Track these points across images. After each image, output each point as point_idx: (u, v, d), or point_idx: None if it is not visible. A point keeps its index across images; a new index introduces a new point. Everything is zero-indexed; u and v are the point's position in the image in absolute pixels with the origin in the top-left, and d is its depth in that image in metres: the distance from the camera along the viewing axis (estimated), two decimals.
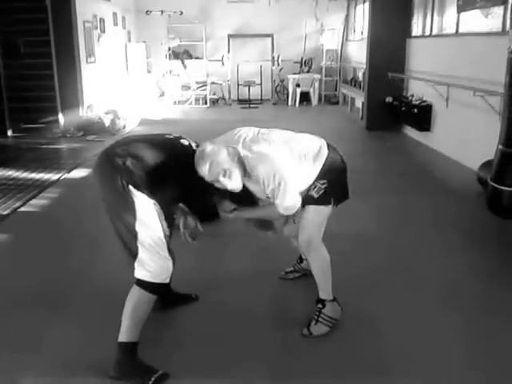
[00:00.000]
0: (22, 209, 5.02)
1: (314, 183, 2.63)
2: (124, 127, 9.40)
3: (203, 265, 3.62)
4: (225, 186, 2.44)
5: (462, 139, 6.47)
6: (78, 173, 6.43)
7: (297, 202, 2.51)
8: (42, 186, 5.77)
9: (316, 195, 2.63)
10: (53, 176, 6.20)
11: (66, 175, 6.30)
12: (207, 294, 3.16)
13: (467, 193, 5.25)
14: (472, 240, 4.09)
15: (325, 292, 2.73)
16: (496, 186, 4.11)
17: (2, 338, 2.79)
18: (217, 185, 2.45)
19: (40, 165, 6.77)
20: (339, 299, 2.78)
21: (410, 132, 8.49)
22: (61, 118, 9.22)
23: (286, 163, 2.47)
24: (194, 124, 10.19)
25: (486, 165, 4.80)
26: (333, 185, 2.66)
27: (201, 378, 2.44)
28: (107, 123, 9.02)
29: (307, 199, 2.62)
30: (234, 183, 2.44)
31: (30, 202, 5.23)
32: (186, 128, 9.47)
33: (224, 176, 2.39)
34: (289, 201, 2.46)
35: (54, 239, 4.23)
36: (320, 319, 2.70)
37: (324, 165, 2.64)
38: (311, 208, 2.66)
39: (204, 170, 2.38)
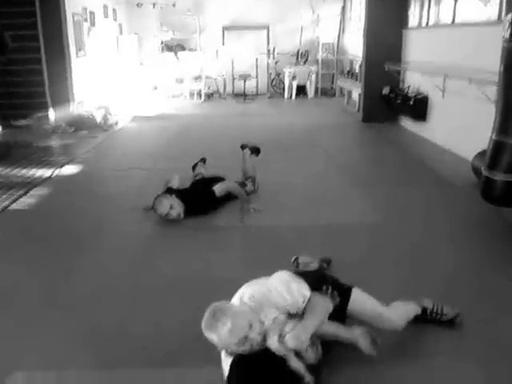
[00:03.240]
0: (13, 206, 4.95)
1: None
2: (116, 123, 9.31)
3: None
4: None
5: (457, 130, 6.48)
6: (70, 169, 6.36)
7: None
8: (34, 183, 5.69)
9: (337, 299, 2.50)
10: (44, 173, 6.12)
11: (58, 172, 6.21)
12: None
13: (462, 183, 5.26)
14: (466, 228, 4.17)
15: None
16: (489, 175, 4.12)
17: None
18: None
19: (31, 161, 6.69)
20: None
21: (407, 124, 8.48)
22: (51, 113, 9.12)
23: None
24: (189, 119, 10.10)
25: (481, 155, 4.79)
26: (332, 283, 2.59)
27: None
28: (99, 119, 8.94)
29: (340, 311, 2.49)
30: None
31: (21, 199, 5.16)
32: (180, 123, 9.42)
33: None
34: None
35: (45, 236, 4.18)
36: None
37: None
38: (353, 305, 2.52)
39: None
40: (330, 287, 2.52)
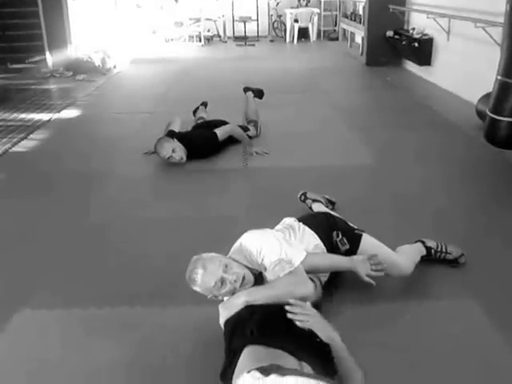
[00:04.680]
0: (14, 149, 4.95)
1: (331, 243, 2.48)
2: (114, 67, 9.15)
3: None
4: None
5: (462, 73, 6.37)
6: (70, 113, 6.32)
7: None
8: (33, 127, 5.66)
9: (347, 245, 2.49)
10: (43, 117, 6.08)
11: (57, 116, 6.16)
12: None
13: (466, 126, 5.21)
14: (468, 169, 4.19)
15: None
16: (494, 116, 4.08)
17: None
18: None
19: (30, 105, 6.65)
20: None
21: (411, 67, 8.33)
22: (49, 57, 8.95)
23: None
24: (189, 63, 9.91)
25: (486, 97, 4.72)
26: (342, 228, 2.56)
27: None
28: (97, 62, 8.77)
29: (348, 254, 2.45)
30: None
31: (21, 142, 5.15)
32: (180, 67, 9.26)
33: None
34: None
35: (47, 179, 4.20)
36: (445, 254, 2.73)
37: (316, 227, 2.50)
38: (362, 251, 2.49)
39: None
40: (339, 233, 2.52)
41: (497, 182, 3.95)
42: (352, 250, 2.49)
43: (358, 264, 2.33)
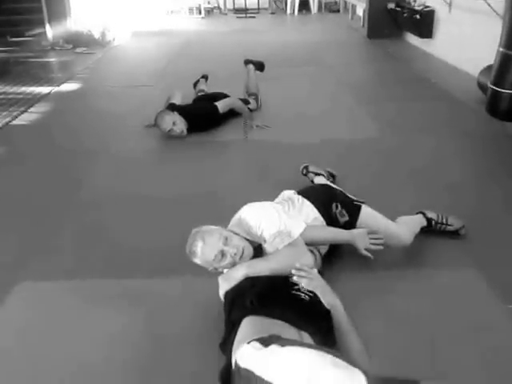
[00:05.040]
0: (14, 122, 4.95)
1: (330, 216, 2.49)
2: (114, 39, 9.07)
3: None
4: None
5: (463, 45, 6.31)
6: (69, 86, 6.29)
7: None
8: (33, 101, 5.65)
9: (346, 217, 2.51)
10: (43, 90, 6.06)
11: (57, 89, 6.15)
12: None
13: (467, 98, 5.18)
14: (470, 141, 4.17)
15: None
16: (495, 88, 4.08)
17: None
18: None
19: (30, 78, 6.61)
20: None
21: (412, 39, 8.25)
22: (48, 30, 8.87)
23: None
24: (189, 36, 9.81)
25: (487, 70, 4.70)
26: (341, 200, 2.57)
27: None
28: (97, 35, 8.71)
29: (347, 226, 2.48)
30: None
31: (21, 116, 5.14)
32: (180, 40, 9.18)
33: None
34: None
35: (46, 153, 4.20)
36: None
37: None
38: (361, 222, 2.52)
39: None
40: (339, 205, 2.53)
41: (500, 154, 3.93)
42: (351, 222, 2.51)
43: (357, 238, 2.36)
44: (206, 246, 2.04)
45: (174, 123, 4.26)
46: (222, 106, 4.51)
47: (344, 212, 2.52)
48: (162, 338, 2.14)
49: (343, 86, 5.92)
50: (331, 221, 2.48)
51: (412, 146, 4.08)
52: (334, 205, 2.53)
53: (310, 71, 6.70)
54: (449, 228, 2.74)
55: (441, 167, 3.69)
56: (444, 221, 2.74)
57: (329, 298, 1.89)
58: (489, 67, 4.66)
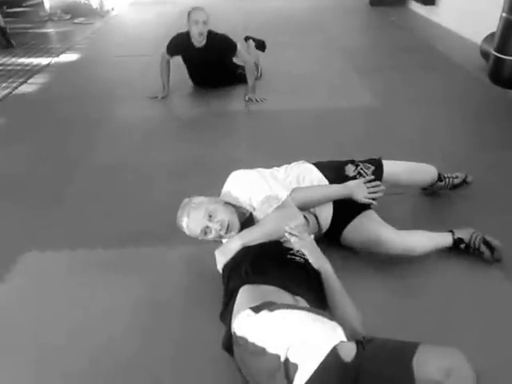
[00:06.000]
0: (14, 94, 4.94)
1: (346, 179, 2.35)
2: (113, 9, 8.96)
3: None
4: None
5: (466, 12, 6.23)
6: (68, 57, 6.24)
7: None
8: (32, 72, 5.61)
9: (372, 167, 2.41)
10: (42, 61, 6.01)
11: (56, 59, 6.10)
12: None
13: (470, 66, 5.15)
14: (473, 110, 4.16)
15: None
16: (498, 55, 4.03)
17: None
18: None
19: (28, 50, 6.56)
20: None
21: (415, 6, 8.14)
22: (46, 0, 8.73)
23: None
24: (190, 3, 9.63)
25: (490, 37, 4.64)
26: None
27: None
28: (95, 5, 8.59)
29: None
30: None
31: (21, 87, 5.12)
32: (179, 8, 9.02)
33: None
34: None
35: (47, 123, 4.20)
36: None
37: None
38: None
39: None
40: (356, 162, 2.43)
41: (501, 122, 3.91)
42: (378, 172, 2.40)
43: (353, 189, 2.26)
44: (191, 222, 2.06)
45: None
46: (240, 50, 4.44)
47: (368, 165, 2.43)
48: (162, 303, 2.18)
49: (344, 54, 5.86)
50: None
51: (411, 114, 4.07)
52: (349, 165, 2.42)
53: (311, 39, 6.63)
54: (456, 181, 2.74)
55: (440, 135, 3.68)
56: (450, 175, 2.73)
57: (317, 258, 1.90)
58: (492, 35, 4.58)
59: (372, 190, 2.28)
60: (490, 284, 2.21)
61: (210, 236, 2.08)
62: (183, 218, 2.08)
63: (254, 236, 2.03)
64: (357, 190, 2.26)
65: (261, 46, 5.34)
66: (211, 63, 4.46)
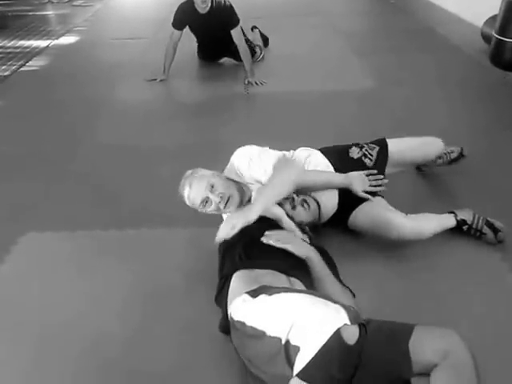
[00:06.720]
0: (13, 76, 4.94)
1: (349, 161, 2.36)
2: None
3: None
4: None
5: None
6: (67, 39, 6.21)
7: None
8: (32, 54, 5.60)
9: (377, 147, 2.41)
10: (42, 43, 5.99)
11: (56, 42, 6.07)
12: None
13: (471, 49, 5.11)
14: (473, 92, 4.14)
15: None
16: (500, 37, 4.02)
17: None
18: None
19: (28, 32, 6.53)
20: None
21: None
22: None
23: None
24: None
25: (492, 20, 4.62)
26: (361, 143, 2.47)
27: None
28: None
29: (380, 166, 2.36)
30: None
31: (20, 69, 5.11)
32: None
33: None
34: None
35: (47, 105, 4.21)
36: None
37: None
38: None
39: None
40: (361, 143, 2.44)
41: (500, 104, 3.91)
42: (383, 152, 2.41)
43: (353, 180, 2.25)
44: (192, 192, 2.08)
45: None
46: (239, 30, 4.42)
47: (372, 145, 2.43)
48: (162, 285, 2.19)
49: (343, 36, 5.81)
50: (352, 166, 2.35)
51: (410, 97, 4.05)
52: (353, 148, 2.42)
53: (310, 21, 6.56)
54: (453, 155, 2.72)
55: (438, 118, 3.66)
56: (447, 150, 2.70)
57: (302, 249, 1.89)
58: (493, 17, 4.58)
59: (374, 183, 2.28)
60: (491, 267, 2.21)
61: (209, 208, 2.09)
62: (185, 187, 2.10)
63: (259, 206, 2.01)
64: (357, 181, 2.25)
65: (264, 40, 5.35)
66: (216, 30, 4.44)
